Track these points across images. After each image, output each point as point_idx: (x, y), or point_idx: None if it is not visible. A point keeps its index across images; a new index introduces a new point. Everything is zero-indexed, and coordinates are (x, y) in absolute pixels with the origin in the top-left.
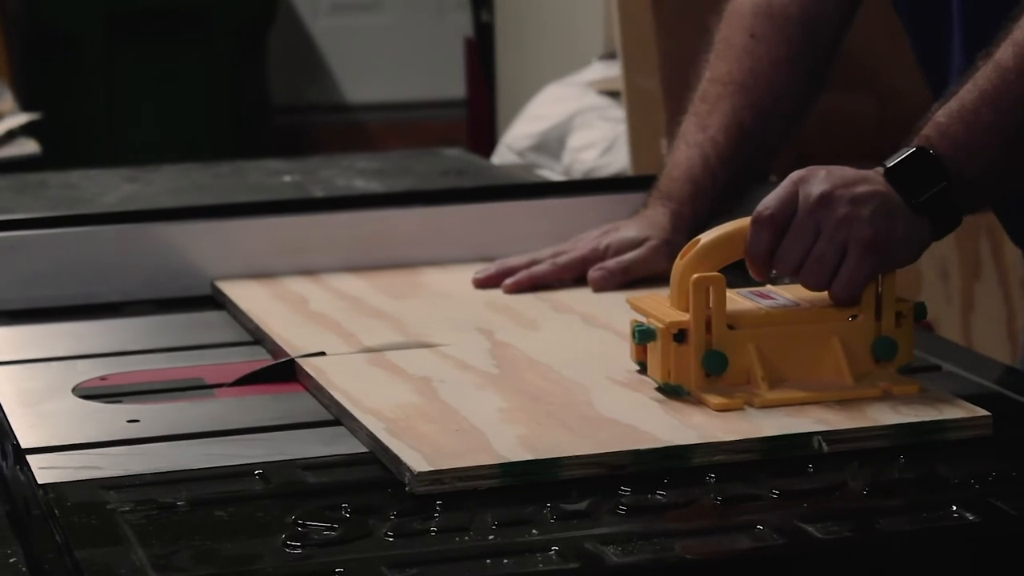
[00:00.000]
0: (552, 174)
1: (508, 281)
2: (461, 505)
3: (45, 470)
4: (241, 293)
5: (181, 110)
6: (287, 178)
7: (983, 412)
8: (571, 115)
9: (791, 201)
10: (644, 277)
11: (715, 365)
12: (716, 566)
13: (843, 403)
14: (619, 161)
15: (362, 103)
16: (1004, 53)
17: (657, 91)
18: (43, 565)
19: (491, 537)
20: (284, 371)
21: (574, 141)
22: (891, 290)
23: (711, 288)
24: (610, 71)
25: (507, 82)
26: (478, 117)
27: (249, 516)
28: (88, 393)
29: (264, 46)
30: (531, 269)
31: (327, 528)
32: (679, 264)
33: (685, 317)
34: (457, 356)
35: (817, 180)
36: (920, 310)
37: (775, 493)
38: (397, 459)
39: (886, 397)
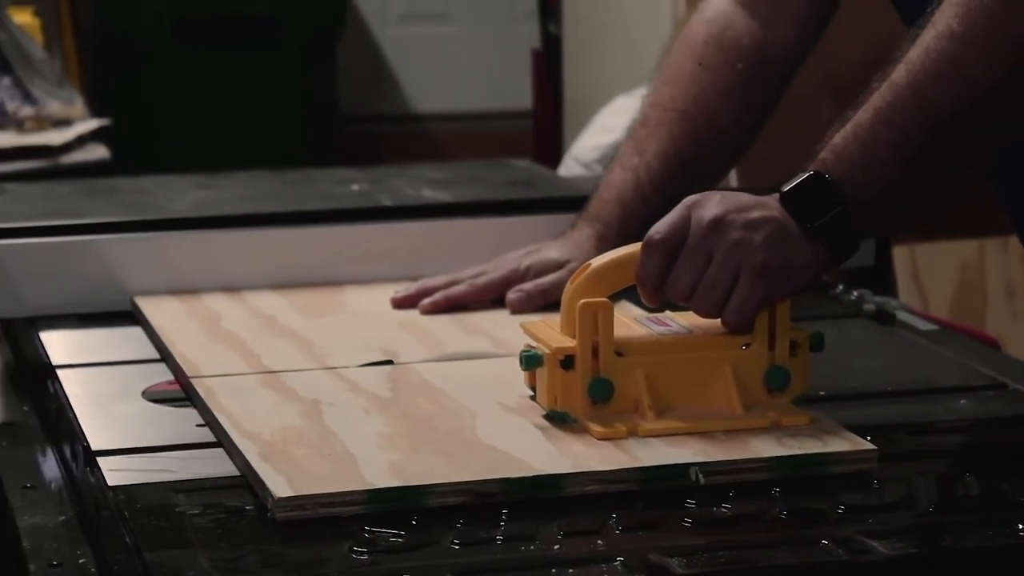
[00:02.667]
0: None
1: (425, 302)
2: (527, 514)
3: (115, 472)
4: (155, 309)
5: (249, 117)
6: (355, 187)
7: (868, 446)
8: None
9: (683, 225)
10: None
11: (601, 392)
12: None
13: (729, 433)
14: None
15: (429, 113)
16: (898, 72)
17: None
18: (113, 567)
19: (556, 547)
20: None
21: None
22: (785, 318)
23: (599, 314)
24: None
25: (574, 94)
26: (544, 128)
27: (316, 521)
28: (158, 397)
29: (333, 55)
30: (449, 290)
31: (393, 535)
32: (568, 289)
33: (572, 343)
34: (353, 379)
35: (711, 204)
36: (816, 340)
37: (841, 508)
38: (262, 483)
39: (774, 428)
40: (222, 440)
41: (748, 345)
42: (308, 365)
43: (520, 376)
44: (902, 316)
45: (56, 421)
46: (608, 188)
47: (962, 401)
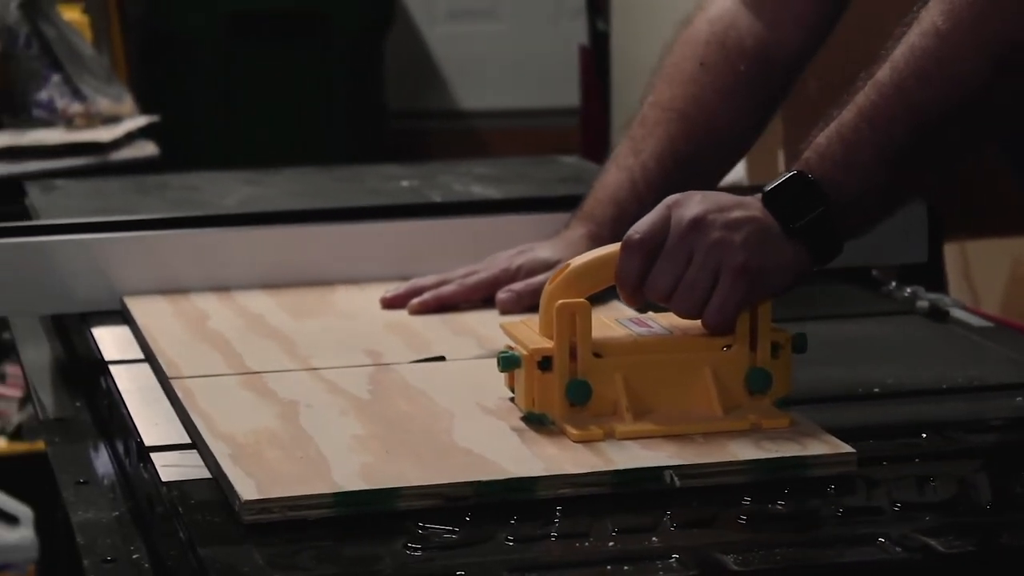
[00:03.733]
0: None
1: (414, 302)
2: (582, 511)
3: (169, 468)
4: (144, 309)
5: (297, 114)
6: (405, 183)
7: (847, 449)
8: None
9: (663, 225)
10: None
11: (579, 394)
12: None
13: (708, 436)
14: (735, 170)
15: (476, 109)
16: (882, 71)
17: None
18: (166, 562)
19: (611, 544)
20: None
21: None
22: (766, 319)
23: (576, 315)
24: None
25: (622, 91)
26: (592, 125)
27: (371, 517)
28: None
29: (381, 51)
30: (439, 290)
31: (448, 531)
32: (547, 289)
33: (550, 344)
34: (334, 380)
35: (691, 204)
36: (799, 341)
37: (897, 506)
38: (230, 486)
39: (754, 431)
40: (196, 442)
41: (729, 346)
42: (290, 366)
43: (502, 377)
44: (956, 313)
45: (109, 416)
46: (603, 188)
47: (1018, 398)
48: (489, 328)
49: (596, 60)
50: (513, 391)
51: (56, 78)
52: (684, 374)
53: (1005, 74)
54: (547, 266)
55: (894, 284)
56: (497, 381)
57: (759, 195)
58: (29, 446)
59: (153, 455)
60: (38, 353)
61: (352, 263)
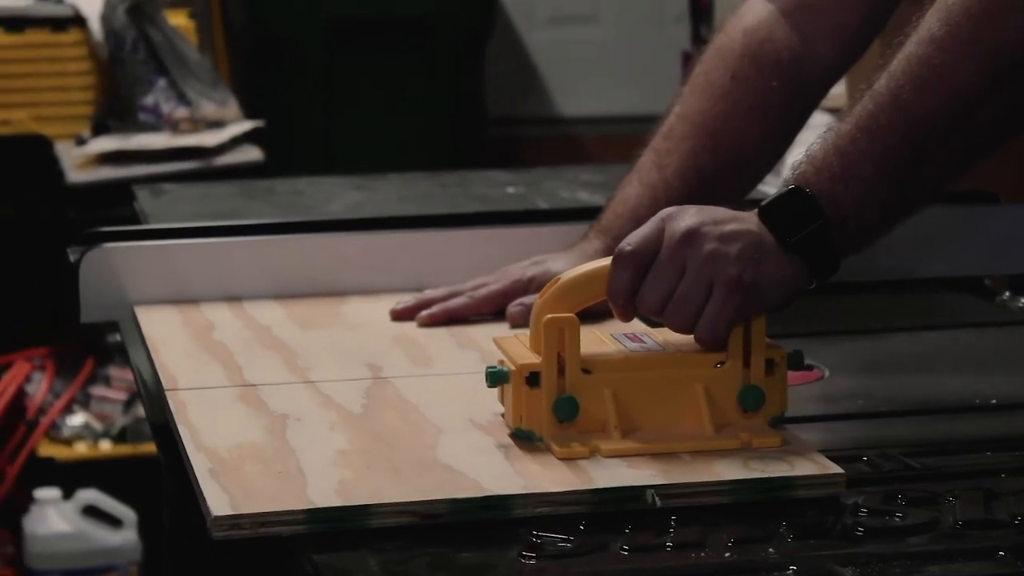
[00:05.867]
0: (771, 189)
1: (423, 314)
2: (697, 521)
3: None
4: (151, 319)
5: (398, 120)
6: (511, 189)
7: (836, 470)
8: None
9: (655, 238)
10: None
11: (566, 411)
12: None
13: (696, 455)
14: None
15: (577, 116)
16: (879, 82)
17: None
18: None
19: (727, 554)
20: None
21: (793, 157)
22: (760, 336)
23: (564, 330)
24: (833, 88)
25: None
26: None
27: (486, 524)
28: None
29: (483, 57)
30: (447, 303)
31: (562, 540)
32: (537, 304)
33: (537, 360)
34: (329, 393)
35: (685, 216)
36: (795, 358)
37: (1018, 520)
38: (204, 500)
39: (744, 450)
40: (182, 454)
41: (723, 363)
42: (289, 378)
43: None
44: None
45: None
46: (623, 202)
47: None
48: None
49: None
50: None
51: (162, 83)
52: (675, 391)
53: (1002, 83)
54: None
55: (1007, 294)
56: (494, 396)
57: (755, 210)
58: (133, 449)
59: None
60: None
61: (456, 270)
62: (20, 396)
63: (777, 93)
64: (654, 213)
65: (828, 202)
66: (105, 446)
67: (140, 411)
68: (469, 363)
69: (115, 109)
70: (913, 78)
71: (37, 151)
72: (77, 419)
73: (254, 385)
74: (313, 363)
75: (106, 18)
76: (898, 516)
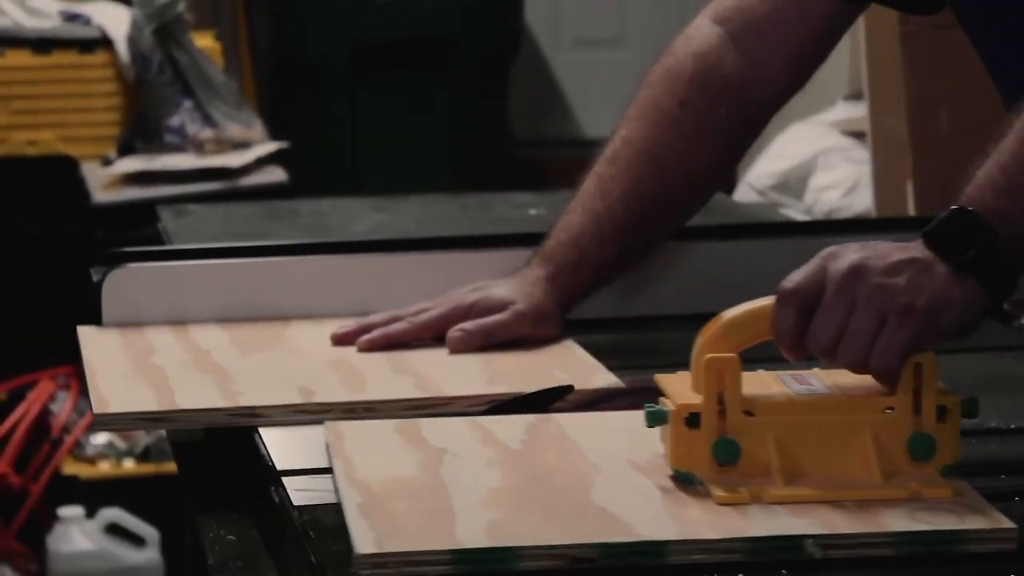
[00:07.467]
0: (795, 213)
1: (362, 340)
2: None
3: (300, 492)
4: (94, 339)
5: (422, 141)
6: (532, 211)
7: (1008, 524)
8: (815, 155)
9: (818, 276)
10: (506, 341)
11: (727, 454)
12: None
13: (862, 504)
14: (862, 202)
15: (601, 138)
16: None
17: (903, 133)
18: None
19: None
20: (538, 402)
21: (817, 181)
22: (932, 380)
23: (725, 370)
24: (855, 112)
25: None
26: None
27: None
28: (341, 417)
29: (507, 78)
30: (387, 328)
31: None
32: (698, 343)
33: (698, 400)
34: (490, 428)
35: (848, 252)
36: (969, 406)
37: None
38: (351, 537)
39: (912, 500)
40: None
41: (892, 409)
42: (219, 403)
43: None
44: None
45: (242, 440)
46: (566, 229)
47: None
48: (433, 367)
49: None
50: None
51: (188, 104)
52: (842, 437)
53: None
54: (500, 306)
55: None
56: (655, 435)
57: (919, 239)
58: (156, 468)
59: (285, 479)
60: None
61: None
62: (45, 414)
63: (724, 119)
64: (597, 241)
65: (995, 218)
66: (128, 465)
67: (163, 430)
68: (403, 389)
69: (141, 130)
70: None
71: (64, 171)
72: (101, 438)
73: (186, 410)
74: (247, 387)
75: (133, 40)
76: None
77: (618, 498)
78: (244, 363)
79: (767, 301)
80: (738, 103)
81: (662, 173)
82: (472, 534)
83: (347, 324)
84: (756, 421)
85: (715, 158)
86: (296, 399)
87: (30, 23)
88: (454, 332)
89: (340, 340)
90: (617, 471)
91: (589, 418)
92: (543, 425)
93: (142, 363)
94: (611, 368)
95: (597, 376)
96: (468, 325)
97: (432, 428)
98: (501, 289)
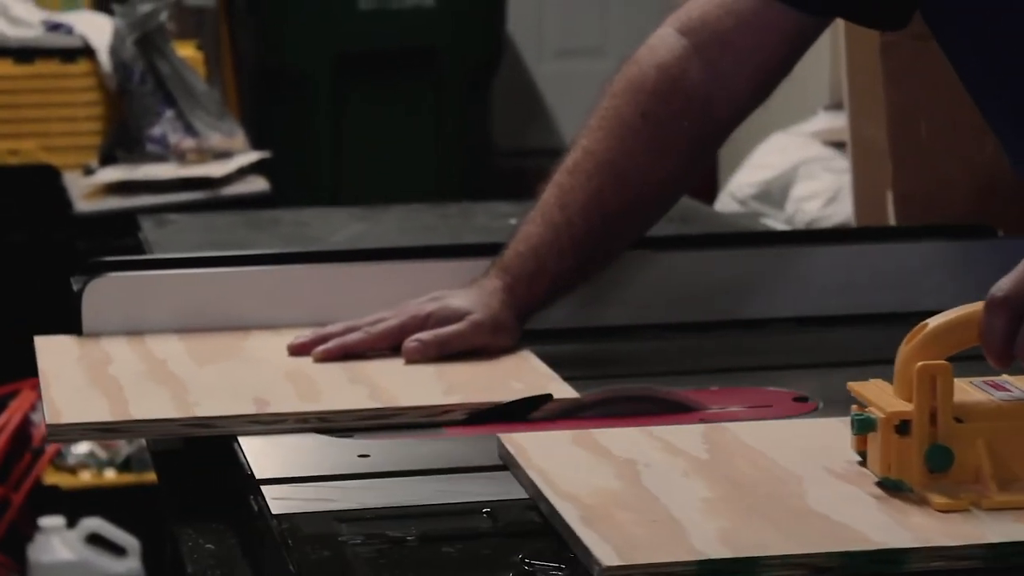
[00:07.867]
0: (775, 223)
1: (317, 350)
2: None
3: (279, 501)
4: (50, 350)
5: (407, 150)
6: (513, 220)
7: None
8: (795, 165)
9: None
10: (463, 351)
11: (939, 461)
12: None
13: None
14: (842, 212)
15: None
16: None
17: (883, 142)
18: None
19: None
20: (517, 412)
21: (798, 191)
22: None
23: (937, 377)
24: (835, 122)
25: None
26: None
27: (476, 553)
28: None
29: (489, 89)
30: (343, 338)
31: (554, 567)
32: (903, 350)
33: (908, 408)
34: (668, 438)
35: None
36: None
37: None
38: (586, 551)
39: None
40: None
41: None
42: (172, 413)
43: (846, 440)
44: None
45: (220, 448)
46: (524, 240)
47: None
48: (388, 377)
49: None
50: (860, 454)
51: (169, 113)
52: None
53: None
54: (456, 316)
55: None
56: (839, 443)
57: None
58: (137, 477)
59: (264, 488)
60: None
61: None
62: (26, 424)
63: (687, 131)
64: (554, 251)
65: None
66: (110, 474)
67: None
68: (357, 399)
69: (123, 139)
70: None
71: (46, 181)
72: (82, 447)
73: (138, 420)
74: (202, 397)
75: (115, 49)
76: None
77: (834, 506)
78: (200, 373)
79: (972, 308)
80: (701, 115)
81: (623, 185)
82: (709, 544)
83: (303, 334)
84: (966, 427)
85: (677, 170)
86: (250, 409)
87: (12, 32)
88: (410, 342)
89: (296, 350)
90: (819, 479)
91: (761, 427)
92: (717, 434)
93: (98, 374)
94: (568, 379)
95: (553, 386)
96: (424, 335)
97: (608, 438)
98: (458, 299)
